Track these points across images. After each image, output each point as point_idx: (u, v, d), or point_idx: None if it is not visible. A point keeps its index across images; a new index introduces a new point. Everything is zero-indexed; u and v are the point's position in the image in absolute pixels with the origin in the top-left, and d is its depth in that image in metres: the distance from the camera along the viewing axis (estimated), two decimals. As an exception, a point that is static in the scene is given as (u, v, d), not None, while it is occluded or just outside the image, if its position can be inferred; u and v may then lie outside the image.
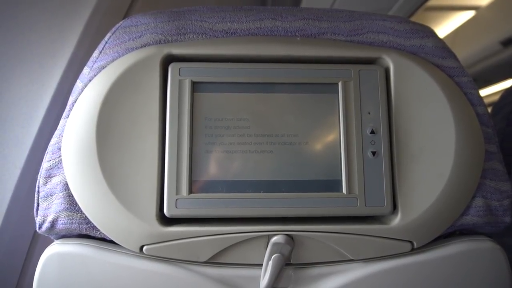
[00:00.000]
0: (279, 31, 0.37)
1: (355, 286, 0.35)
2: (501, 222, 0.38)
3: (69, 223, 0.35)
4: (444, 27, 2.06)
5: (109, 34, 0.38)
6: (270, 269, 0.33)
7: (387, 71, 0.36)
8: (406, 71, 0.36)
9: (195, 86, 0.35)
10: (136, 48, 0.36)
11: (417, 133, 0.35)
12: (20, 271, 0.58)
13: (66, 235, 0.37)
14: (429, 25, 0.40)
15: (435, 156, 0.35)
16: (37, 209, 0.37)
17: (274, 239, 0.34)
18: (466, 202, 0.36)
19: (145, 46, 0.36)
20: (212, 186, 0.34)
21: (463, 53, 2.01)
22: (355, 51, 0.36)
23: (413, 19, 0.41)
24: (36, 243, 0.59)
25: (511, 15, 1.74)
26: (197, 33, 0.37)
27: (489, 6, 1.83)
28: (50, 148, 0.37)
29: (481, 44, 1.91)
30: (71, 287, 0.35)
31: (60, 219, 0.35)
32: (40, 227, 0.36)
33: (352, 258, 0.35)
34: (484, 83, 2.39)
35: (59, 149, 0.36)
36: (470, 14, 1.94)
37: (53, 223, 0.36)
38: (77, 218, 0.35)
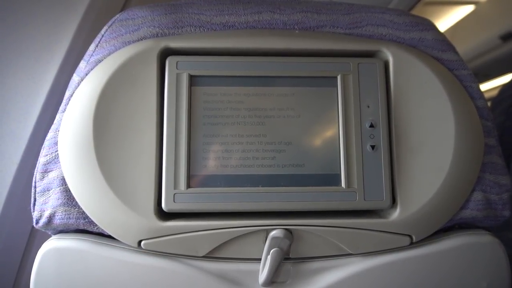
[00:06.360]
0: (278, 24, 0.37)
1: (354, 280, 0.35)
2: (500, 216, 0.37)
3: (66, 218, 0.35)
4: (443, 22, 2.06)
5: (105, 28, 0.37)
6: (268, 263, 0.33)
7: (386, 64, 0.36)
8: (405, 64, 0.36)
9: (193, 80, 0.35)
10: (133, 42, 0.36)
11: (417, 127, 0.35)
12: (18, 266, 0.58)
13: (63, 230, 0.37)
14: (428, 19, 0.40)
15: (435, 150, 0.35)
16: (34, 204, 0.36)
17: (272, 233, 0.34)
18: (465, 196, 0.36)
19: (142, 40, 0.36)
20: (210, 181, 0.34)
21: (462, 48, 2.00)
22: (354, 44, 0.36)
23: (412, 13, 0.41)
24: (34, 238, 0.59)
25: (510, 10, 1.73)
26: (195, 26, 0.36)
27: (489, 1, 1.82)
28: (46, 143, 0.37)
29: (480, 39, 1.90)
30: (69, 282, 0.34)
31: (57, 214, 0.35)
32: (37, 222, 0.36)
33: (351, 252, 0.35)
34: (483, 77, 2.39)
35: (56, 143, 0.36)
36: (470, 8, 1.93)
37: (50, 218, 0.35)
38: (75, 213, 0.35)
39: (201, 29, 0.36)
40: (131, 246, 0.35)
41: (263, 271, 0.34)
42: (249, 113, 0.35)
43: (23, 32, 0.56)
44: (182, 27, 0.36)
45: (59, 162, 0.35)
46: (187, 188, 0.33)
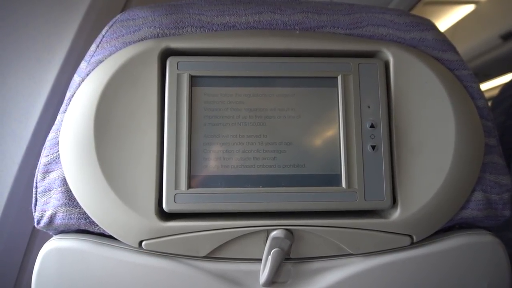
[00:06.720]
0: (278, 24, 0.37)
1: (355, 280, 0.35)
2: (501, 216, 0.38)
3: (68, 218, 0.35)
4: (444, 22, 2.05)
5: (106, 28, 0.37)
6: (269, 263, 0.33)
7: (387, 65, 0.36)
8: (406, 65, 0.36)
9: (194, 80, 0.35)
10: (133, 42, 0.36)
11: (417, 127, 0.35)
12: (19, 266, 0.58)
13: (64, 231, 0.37)
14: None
15: (435, 150, 0.35)
16: (35, 205, 0.36)
17: (273, 233, 0.34)
18: (465, 196, 0.36)
19: (142, 40, 0.36)
20: (211, 181, 0.34)
21: (462, 48, 2.00)
22: (355, 45, 0.36)
23: (412, 13, 0.41)
24: (35, 239, 0.59)
25: (510, 9, 1.73)
26: (195, 27, 0.36)
27: (489, 0, 1.82)
28: (47, 143, 0.37)
29: (480, 39, 1.90)
30: (70, 283, 0.35)
31: (58, 214, 0.35)
32: (38, 223, 0.36)
33: (351, 252, 0.35)
34: (484, 77, 2.38)
35: (57, 144, 0.36)
36: (470, 8, 1.93)
37: (51, 219, 0.36)
38: (76, 213, 0.35)
39: (201, 29, 0.36)
40: (132, 247, 0.35)
41: (263, 271, 0.34)
42: (249, 114, 0.35)
43: (24, 32, 0.56)
44: (183, 28, 0.36)
45: (60, 163, 0.35)
46: (188, 189, 0.33)
